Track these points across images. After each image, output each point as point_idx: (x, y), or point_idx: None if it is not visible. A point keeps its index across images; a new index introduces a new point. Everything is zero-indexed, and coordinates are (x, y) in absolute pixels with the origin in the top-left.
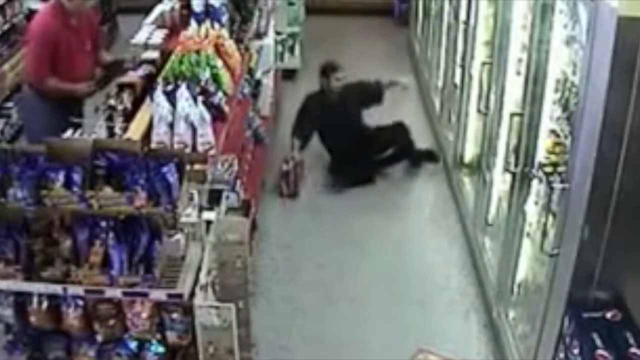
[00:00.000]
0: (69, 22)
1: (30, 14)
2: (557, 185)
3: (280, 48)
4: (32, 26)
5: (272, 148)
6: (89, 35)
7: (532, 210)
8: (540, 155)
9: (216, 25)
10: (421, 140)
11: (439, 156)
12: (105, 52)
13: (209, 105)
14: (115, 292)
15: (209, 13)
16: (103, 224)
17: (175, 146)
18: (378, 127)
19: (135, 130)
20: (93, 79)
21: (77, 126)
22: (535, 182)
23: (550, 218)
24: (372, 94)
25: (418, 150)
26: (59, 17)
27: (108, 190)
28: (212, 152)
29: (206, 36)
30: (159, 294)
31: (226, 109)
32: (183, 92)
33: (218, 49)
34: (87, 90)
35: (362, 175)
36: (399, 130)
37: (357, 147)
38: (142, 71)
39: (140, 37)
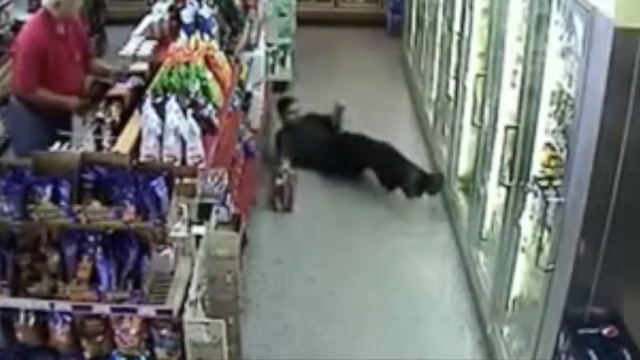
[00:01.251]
0: (57, 31)
1: (17, 25)
2: (553, 200)
3: (271, 60)
4: (20, 36)
5: (263, 161)
6: (78, 45)
7: (527, 224)
8: (536, 169)
9: (206, 37)
10: (414, 153)
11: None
12: (101, 61)
13: (198, 118)
14: (103, 308)
15: (199, 24)
16: (91, 238)
17: (165, 159)
18: (361, 136)
19: (124, 144)
20: (83, 92)
21: (65, 139)
22: (530, 196)
23: (546, 233)
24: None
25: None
26: (47, 27)
27: (96, 205)
28: (201, 165)
29: (196, 48)
30: (147, 310)
31: (216, 121)
32: (172, 105)
33: (208, 61)
34: (77, 104)
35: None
36: (386, 156)
37: (339, 154)
38: (130, 83)
39: (128, 49)
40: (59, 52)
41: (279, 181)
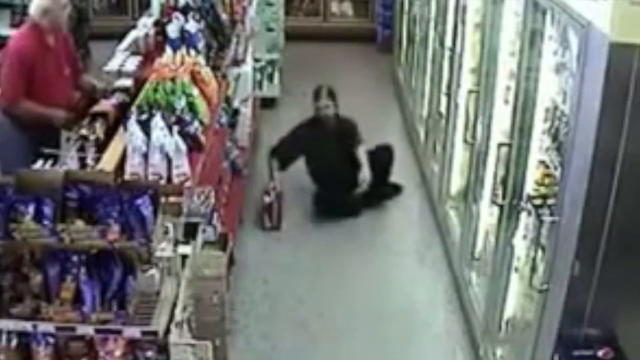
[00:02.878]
0: (46, 42)
1: (1, 39)
2: (547, 218)
3: (258, 76)
4: (7, 48)
5: (251, 179)
6: (67, 59)
7: (520, 244)
8: (529, 187)
9: (192, 52)
10: (405, 171)
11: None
12: (89, 76)
13: (184, 135)
14: (87, 329)
15: (185, 39)
16: (74, 258)
17: (150, 178)
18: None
19: (108, 161)
20: (72, 108)
21: (52, 157)
22: (523, 215)
23: (540, 252)
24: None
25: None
26: (36, 38)
27: (80, 224)
28: (188, 183)
29: (182, 63)
30: (132, 331)
31: (202, 139)
32: (158, 122)
33: (194, 77)
34: (63, 117)
35: (348, 208)
36: (381, 154)
37: (346, 178)
38: (115, 100)
39: (113, 64)
40: (47, 64)
41: (267, 199)
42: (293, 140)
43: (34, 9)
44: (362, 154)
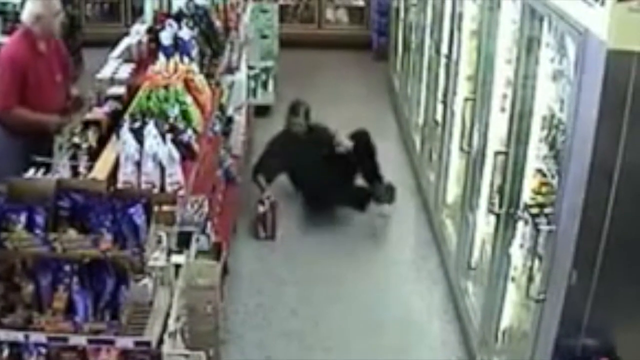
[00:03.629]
0: (39, 48)
1: None
2: (544, 228)
3: (253, 83)
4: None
5: (245, 188)
6: (59, 65)
7: (517, 253)
8: (526, 196)
9: (185, 60)
10: (401, 179)
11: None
12: (73, 86)
13: (178, 143)
14: (79, 340)
15: (178, 46)
16: (67, 268)
17: (143, 186)
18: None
19: (101, 170)
20: (64, 113)
21: (44, 165)
22: (520, 224)
23: (537, 262)
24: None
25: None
26: (28, 44)
27: (72, 233)
28: (181, 192)
29: (175, 71)
30: (125, 342)
31: (196, 147)
32: (151, 130)
33: (187, 85)
34: (57, 122)
35: (346, 200)
36: (357, 137)
37: (331, 179)
38: (107, 107)
39: (106, 72)
40: (40, 71)
41: (261, 208)
42: (272, 156)
43: (26, 15)
44: (345, 146)
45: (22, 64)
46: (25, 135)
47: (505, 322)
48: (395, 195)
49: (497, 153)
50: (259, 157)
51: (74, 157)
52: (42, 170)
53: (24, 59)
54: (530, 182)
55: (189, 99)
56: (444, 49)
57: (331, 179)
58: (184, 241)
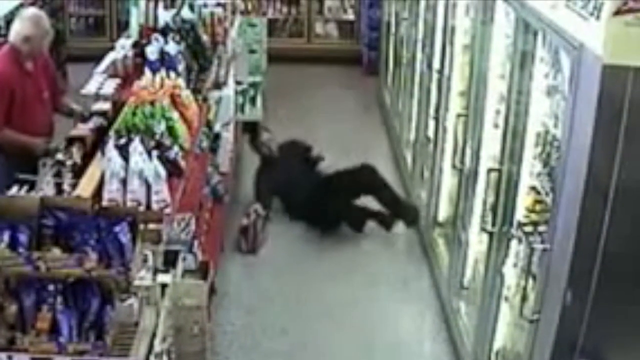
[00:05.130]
0: (25, 67)
1: None
2: (538, 246)
3: (240, 99)
4: None
5: (232, 206)
6: (46, 82)
7: (510, 272)
8: (520, 214)
9: (172, 75)
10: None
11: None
12: (69, 99)
13: (164, 160)
14: None
15: (165, 61)
16: (51, 287)
17: (128, 204)
18: (339, 171)
19: (85, 187)
20: (51, 131)
21: (27, 183)
22: (514, 243)
23: (530, 281)
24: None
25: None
26: (15, 63)
27: (56, 252)
28: (167, 210)
29: (161, 86)
30: None
31: (183, 164)
32: (136, 146)
33: (174, 100)
34: (43, 147)
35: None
36: (366, 173)
37: (316, 198)
38: (92, 124)
39: (90, 87)
40: (26, 90)
41: (244, 221)
42: (263, 188)
43: (14, 35)
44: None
45: (9, 84)
46: (12, 155)
47: (498, 343)
48: (419, 214)
49: (490, 170)
50: (254, 187)
51: (58, 175)
52: (25, 188)
53: (11, 78)
54: (524, 200)
55: (175, 115)
56: (436, 64)
57: (317, 196)
58: (170, 260)
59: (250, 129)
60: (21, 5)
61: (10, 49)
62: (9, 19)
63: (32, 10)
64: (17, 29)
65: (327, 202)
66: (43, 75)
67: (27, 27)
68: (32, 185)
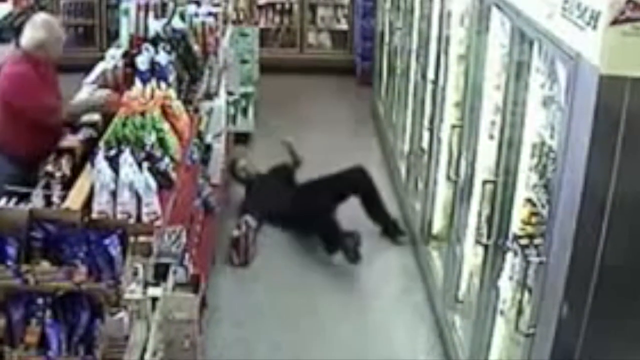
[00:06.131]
0: (41, 71)
1: None
2: (534, 259)
3: (232, 110)
4: (7, 75)
5: (224, 218)
6: (56, 87)
7: (506, 286)
8: (515, 227)
9: (163, 85)
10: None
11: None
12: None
13: (154, 172)
14: None
15: (155, 72)
16: (40, 301)
17: (118, 216)
18: (322, 177)
19: (75, 199)
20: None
21: (16, 194)
22: (509, 256)
23: (526, 294)
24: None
25: (387, 219)
26: (32, 67)
27: (45, 265)
28: (158, 223)
29: (152, 97)
30: None
31: (173, 176)
32: (127, 158)
33: (165, 111)
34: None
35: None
36: (358, 176)
37: (302, 210)
38: (82, 135)
39: (80, 98)
40: (47, 92)
41: (235, 233)
42: (251, 203)
43: (27, 41)
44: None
45: (34, 81)
46: (21, 162)
47: (493, 357)
48: (399, 229)
49: (485, 182)
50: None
51: (47, 187)
52: (14, 200)
53: (34, 79)
54: (519, 212)
55: (166, 126)
56: (431, 74)
57: (302, 197)
58: (161, 273)
59: (230, 165)
60: (10, 15)
61: (24, 54)
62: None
63: (43, 16)
64: (30, 36)
65: (312, 201)
66: (53, 80)
67: (41, 33)
68: (22, 197)
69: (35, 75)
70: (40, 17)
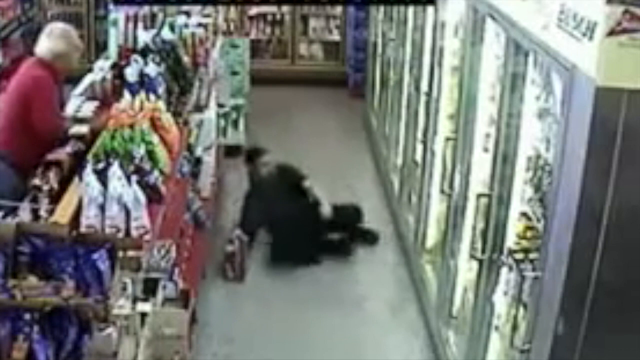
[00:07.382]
0: (57, 80)
1: None
2: (529, 274)
3: (222, 122)
4: (26, 80)
5: (214, 232)
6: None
7: (501, 301)
8: (510, 241)
9: (152, 97)
10: (378, 223)
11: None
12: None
13: (143, 185)
14: None
15: (144, 83)
16: (27, 316)
17: (107, 230)
18: (335, 205)
19: (63, 213)
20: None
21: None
22: (504, 270)
23: (521, 310)
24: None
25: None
26: (50, 74)
27: (32, 280)
28: (147, 237)
29: (141, 109)
30: None
31: (163, 189)
32: (115, 171)
33: (154, 123)
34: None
35: (304, 255)
36: (355, 215)
37: (302, 223)
38: (70, 148)
39: (68, 110)
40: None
41: (229, 247)
42: (250, 217)
43: (46, 52)
44: (310, 186)
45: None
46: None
47: None
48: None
49: (479, 195)
50: (241, 214)
51: (34, 200)
52: (0, 214)
53: (52, 83)
54: (514, 226)
55: (155, 139)
56: (424, 86)
57: (299, 228)
58: (150, 288)
59: (252, 150)
60: None
61: (40, 62)
62: None
63: (60, 26)
64: (48, 47)
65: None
66: (60, 95)
67: (60, 45)
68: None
69: (54, 85)
70: (57, 27)
